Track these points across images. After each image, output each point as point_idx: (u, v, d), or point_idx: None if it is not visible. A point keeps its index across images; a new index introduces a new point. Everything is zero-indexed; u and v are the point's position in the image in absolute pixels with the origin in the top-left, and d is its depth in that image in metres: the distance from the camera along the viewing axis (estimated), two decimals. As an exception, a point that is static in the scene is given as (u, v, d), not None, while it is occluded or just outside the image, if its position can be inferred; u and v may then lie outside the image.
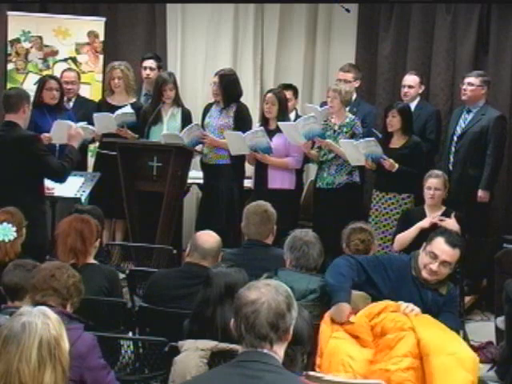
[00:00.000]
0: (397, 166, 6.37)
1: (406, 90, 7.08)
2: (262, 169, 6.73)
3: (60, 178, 5.73)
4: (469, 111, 6.82)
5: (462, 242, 4.24)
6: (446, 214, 5.92)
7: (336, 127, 6.70)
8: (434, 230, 5.51)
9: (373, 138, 6.44)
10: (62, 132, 6.27)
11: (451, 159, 6.82)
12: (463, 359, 3.65)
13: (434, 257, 4.10)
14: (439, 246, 4.12)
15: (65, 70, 7.64)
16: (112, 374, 3.31)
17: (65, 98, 7.20)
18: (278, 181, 6.68)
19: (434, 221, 5.83)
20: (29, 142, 5.50)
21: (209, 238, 4.39)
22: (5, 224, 4.62)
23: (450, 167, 6.77)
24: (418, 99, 7.13)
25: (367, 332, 3.83)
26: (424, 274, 4.13)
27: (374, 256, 4.31)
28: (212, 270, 3.72)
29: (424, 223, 5.86)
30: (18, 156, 5.43)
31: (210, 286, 3.64)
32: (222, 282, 3.60)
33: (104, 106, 7.22)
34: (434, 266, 4.09)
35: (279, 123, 6.60)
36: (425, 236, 5.72)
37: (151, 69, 7.56)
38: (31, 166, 5.43)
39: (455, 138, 6.82)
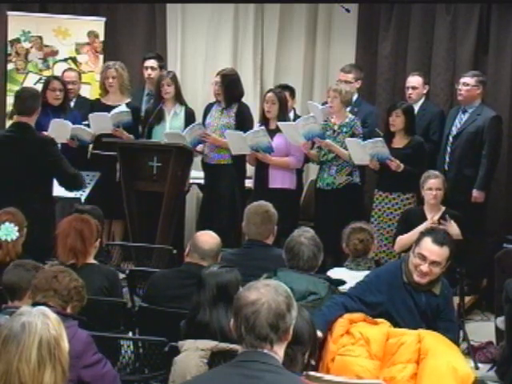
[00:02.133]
0: (402, 166, 6.37)
1: (410, 91, 7.05)
2: (262, 168, 6.73)
3: (71, 186, 5.80)
4: (464, 111, 6.82)
5: (450, 240, 4.21)
6: (446, 215, 5.92)
7: (336, 127, 6.70)
8: None
9: (380, 139, 6.43)
10: (60, 131, 6.29)
11: (447, 159, 6.81)
12: (458, 370, 3.64)
13: (423, 258, 4.07)
14: (427, 246, 4.09)
15: (65, 70, 7.65)
16: (108, 365, 3.32)
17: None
18: (279, 180, 6.68)
19: (433, 226, 5.81)
20: (46, 146, 5.49)
21: (208, 238, 4.38)
22: (7, 224, 4.62)
23: (446, 167, 6.77)
24: (422, 100, 7.12)
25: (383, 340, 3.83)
26: (416, 277, 4.09)
27: (361, 282, 4.27)
28: (204, 272, 3.71)
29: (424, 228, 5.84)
30: (31, 158, 5.40)
31: (203, 287, 3.63)
32: (214, 283, 3.59)
33: (98, 106, 7.20)
34: (425, 268, 4.06)
35: (279, 123, 6.59)
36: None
37: (152, 68, 7.55)
38: (45, 169, 5.42)
39: (451, 139, 6.82)
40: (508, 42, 7.27)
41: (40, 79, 7.85)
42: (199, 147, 6.97)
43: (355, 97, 7.16)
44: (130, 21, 8.38)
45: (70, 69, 7.79)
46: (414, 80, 7.10)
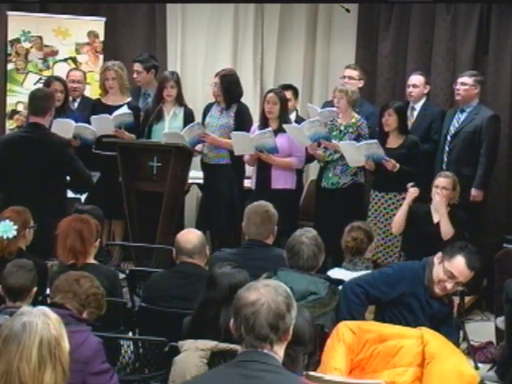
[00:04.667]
0: (398, 166, 6.37)
1: (410, 89, 7.07)
2: (264, 169, 6.71)
3: (82, 188, 5.89)
4: (462, 111, 6.83)
5: (480, 262, 4.18)
6: (451, 215, 5.93)
7: (342, 127, 6.72)
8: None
9: (375, 140, 6.44)
10: (63, 130, 6.30)
11: (445, 159, 6.82)
12: (464, 373, 3.63)
13: (452, 276, 4.07)
14: (459, 267, 4.06)
15: (71, 70, 7.68)
16: (115, 377, 3.30)
17: (70, 98, 7.23)
18: (281, 181, 6.68)
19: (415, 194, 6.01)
20: (61, 147, 5.50)
21: (189, 236, 4.43)
22: (7, 221, 4.60)
23: (444, 167, 6.77)
24: (424, 99, 7.13)
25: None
26: (437, 289, 4.12)
27: (383, 273, 4.28)
28: (216, 271, 3.70)
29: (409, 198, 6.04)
30: (47, 159, 5.41)
31: (214, 287, 3.63)
32: (227, 284, 3.59)
33: (99, 107, 7.19)
34: (450, 286, 4.09)
35: (285, 126, 6.60)
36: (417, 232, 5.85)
37: (138, 72, 7.52)
38: (59, 171, 5.42)
39: (448, 138, 6.83)
40: (508, 42, 7.28)
41: (40, 79, 7.85)
42: (198, 147, 6.97)
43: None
44: (130, 21, 8.37)
45: (75, 68, 7.80)
46: (416, 78, 7.11)
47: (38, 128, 5.52)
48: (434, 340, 3.76)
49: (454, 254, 4.08)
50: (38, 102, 5.57)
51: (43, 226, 4.84)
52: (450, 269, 4.06)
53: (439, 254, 4.16)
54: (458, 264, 4.06)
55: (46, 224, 4.84)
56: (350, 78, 7.10)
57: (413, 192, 6.04)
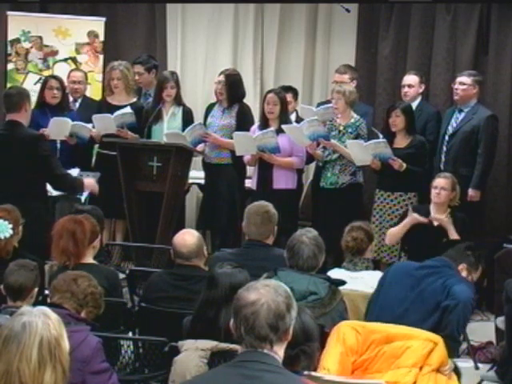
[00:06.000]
0: (405, 165, 6.38)
1: (405, 89, 7.07)
2: (266, 169, 6.72)
3: (57, 184, 5.79)
4: (460, 111, 6.83)
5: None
6: (451, 217, 5.92)
7: (341, 128, 6.72)
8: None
9: (383, 140, 6.45)
10: (60, 128, 6.30)
11: (442, 158, 6.82)
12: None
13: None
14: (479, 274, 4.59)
15: (72, 70, 7.69)
16: (114, 377, 3.30)
17: (71, 99, 7.24)
18: (283, 181, 6.69)
19: (421, 220, 5.90)
20: (34, 141, 5.52)
21: (185, 240, 4.39)
22: (1, 221, 4.61)
23: (442, 166, 6.77)
24: (419, 99, 7.13)
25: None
26: None
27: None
28: (217, 271, 3.71)
29: (412, 220, 5.93)
30: (22, 155, 5.42)
31: (215, 286, 3.63)
32: (228, 284, 3.59)
33: (105, 106, 7.21)
34: None
35: (283, 126, 6.60)
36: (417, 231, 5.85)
37: (139, 74, 7.53)
38: (34, 165, 5.43)
39: (447, 138, 6.83)
40: (508, 42, 7.28)
41: (40, 79, 7.84)
42: (200, 147, 6.97)
43: (353, 96, 7.15)
44: (130, 21, 8.38)
45: (77, 69, 7.81)
46: (410, 78, 7.11)
47: (13, 125, 5.55)
48: (441, 346, 3.75)
49: (478, 266, 4.54)
50: (11, 98, 5.61)
51: (24, 224, 4.84)
52: (476, 279, 4.55)
53: (464, 266, 4.45)
54: (480, 273, 4.58)
55: (26, 222, 4.84)
56: (342, 82, 7.07)
57: (414, 218, 5.93)
